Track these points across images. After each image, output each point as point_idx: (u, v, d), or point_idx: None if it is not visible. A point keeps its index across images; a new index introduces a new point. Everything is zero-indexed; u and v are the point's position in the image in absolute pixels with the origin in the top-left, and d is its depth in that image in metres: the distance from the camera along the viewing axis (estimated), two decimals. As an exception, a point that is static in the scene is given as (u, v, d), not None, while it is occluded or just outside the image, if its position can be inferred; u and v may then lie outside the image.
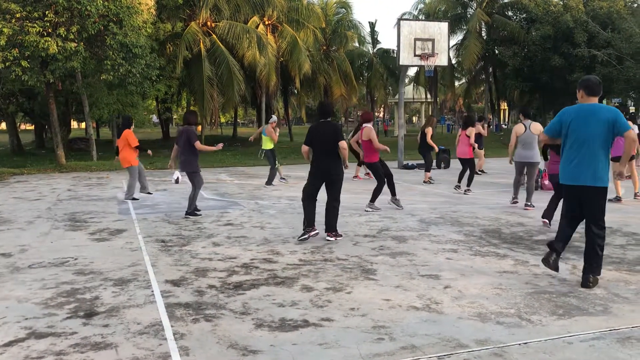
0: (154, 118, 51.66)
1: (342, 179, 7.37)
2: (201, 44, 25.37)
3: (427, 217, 8.99)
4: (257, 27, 28.09)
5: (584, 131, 5.08)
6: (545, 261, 5.27)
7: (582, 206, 5.21)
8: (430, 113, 42.10)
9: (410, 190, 12.76)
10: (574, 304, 4.62)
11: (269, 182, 13.41)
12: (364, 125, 9.68)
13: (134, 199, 11.13)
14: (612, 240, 7.09)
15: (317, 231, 7.30)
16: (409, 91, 46.99)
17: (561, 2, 34.58)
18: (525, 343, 3.82)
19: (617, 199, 10.25)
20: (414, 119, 76.67)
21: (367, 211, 9.52)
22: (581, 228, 5.53)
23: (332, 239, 7.19)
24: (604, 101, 41.04)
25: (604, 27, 31.29)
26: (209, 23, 26.64)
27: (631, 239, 7.15)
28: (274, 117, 13.73)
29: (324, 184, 7.35)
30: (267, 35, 28.66)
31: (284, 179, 13.96)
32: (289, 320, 4.31)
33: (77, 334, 4.08)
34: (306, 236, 7.19)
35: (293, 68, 30.31)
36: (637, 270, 5.67)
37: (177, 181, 14.18)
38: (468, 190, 11.74)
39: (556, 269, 5.27)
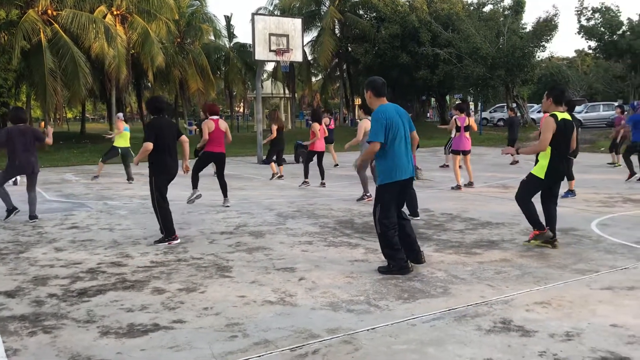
0: (-11, 114, 46.95)
1: None
2: (41, 33, 23.37)
3: (284, 211, 9.08)
4: (104, 17, 26.56)
5: (402, 129, 5.37)
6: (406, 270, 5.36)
7: (401, 198, 5.53)
8: (274, 109, 42.06)
9: (268, 185, 12.83)
10: (418, 288, 4.91)
11: (130, 177, 13.22)
12: (210, 117, 9.43)
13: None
14: (452, 225, 7.65)
15: (178, 240, 6.96)
16: (267, 86, 47.14)
17: (407, 3, 36.64)
18: (373, 328, 3.98)
19: (458, 187, 11.09)
20: (274, 114, 77.34)
21: (227, 206, 9.41)
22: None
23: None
24: (447, 97, 44.33)
25: (445, 27, 33.68)
26: (49, 11, 24.64)
27: (469, 224, 7.76)
28: (120, 115, 14.71)
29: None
30: (116, 26, 27.19)
31: (97, 177, 13.64)
32: (138, 325, 4.11)
33: None
34: (174, 242, 6.83)
35: (145, 61, 29.12)
36: (473, 252, 6.16)
37: (15, 182, 12.99)
38: (323, 183, 12.06)
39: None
